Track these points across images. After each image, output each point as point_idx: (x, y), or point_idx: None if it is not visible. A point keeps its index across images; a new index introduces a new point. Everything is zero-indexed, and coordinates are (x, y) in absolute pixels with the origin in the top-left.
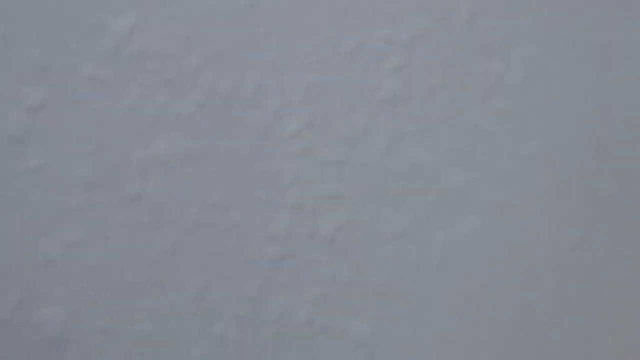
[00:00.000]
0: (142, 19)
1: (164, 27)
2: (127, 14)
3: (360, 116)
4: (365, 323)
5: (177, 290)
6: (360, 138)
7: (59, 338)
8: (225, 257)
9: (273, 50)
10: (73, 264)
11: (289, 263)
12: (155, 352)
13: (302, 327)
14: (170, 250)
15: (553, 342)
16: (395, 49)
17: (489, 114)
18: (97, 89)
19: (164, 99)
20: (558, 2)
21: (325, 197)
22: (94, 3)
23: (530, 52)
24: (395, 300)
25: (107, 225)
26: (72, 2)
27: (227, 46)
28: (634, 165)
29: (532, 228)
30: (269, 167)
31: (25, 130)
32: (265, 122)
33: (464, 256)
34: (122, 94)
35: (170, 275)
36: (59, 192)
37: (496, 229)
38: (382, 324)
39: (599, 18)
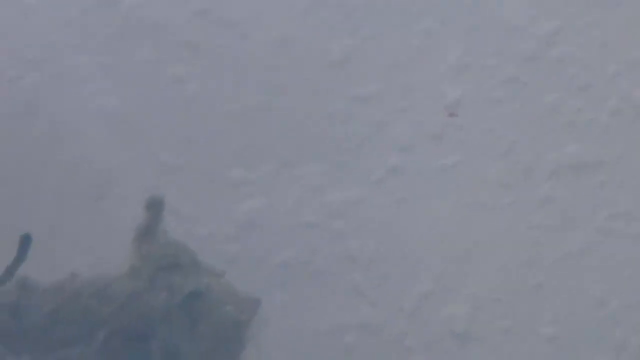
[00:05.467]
0: (566, 24)
1: (586, 32)
2: (552, 18)
3: None
4: None
5: (581, 295)
6: None
7: (464, 334)
8: (629, 265)
9: None
10: (483, 261)
11: None
12: (556, 357)
13: None
14: (577, 255)
15: None
16: None
17: None
18: (515, 91)
19: (580, 105)
20: None
21: None
22: (515, 5)
23: None
24: None
25: (517, 226)
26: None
27: None
28: None
29: None
30: None
31: (443, 128)
32: None
33: None
34: (539, 97)
35: (575, 280)
36: (471, 189)
37: None
38: None
39: None
